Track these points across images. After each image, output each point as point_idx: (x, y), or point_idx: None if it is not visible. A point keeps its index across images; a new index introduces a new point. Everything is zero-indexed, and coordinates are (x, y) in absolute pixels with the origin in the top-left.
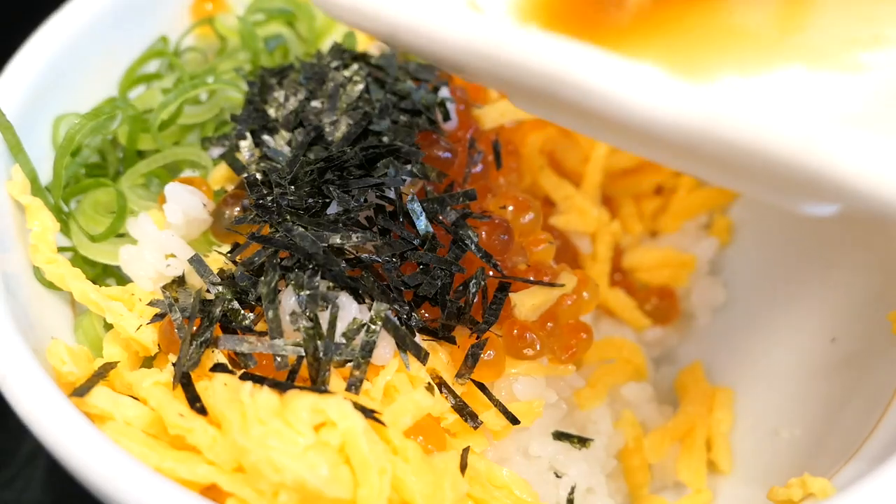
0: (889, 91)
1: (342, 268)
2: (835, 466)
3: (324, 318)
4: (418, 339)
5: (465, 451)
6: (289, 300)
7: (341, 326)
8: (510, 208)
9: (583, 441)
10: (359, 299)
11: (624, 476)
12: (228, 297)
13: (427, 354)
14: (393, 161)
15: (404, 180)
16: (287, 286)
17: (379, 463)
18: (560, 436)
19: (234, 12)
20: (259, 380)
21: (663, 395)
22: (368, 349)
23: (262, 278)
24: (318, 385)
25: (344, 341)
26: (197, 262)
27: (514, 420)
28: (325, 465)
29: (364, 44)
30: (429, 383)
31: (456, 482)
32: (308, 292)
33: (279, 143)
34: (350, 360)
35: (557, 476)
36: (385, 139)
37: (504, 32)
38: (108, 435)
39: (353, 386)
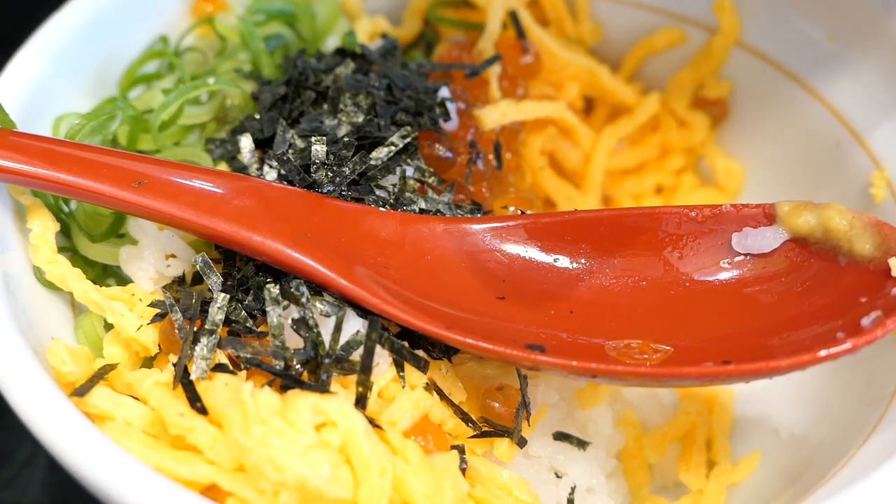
0: None
1: None
2: (835, 466)
3: (328, 324)
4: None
5: (463, 447)
6: (291, 308)
7: (343, 336)
8: (511, 209)
9: (582, 443)
10: (361, 313)
11: (624, 476)
12: (228, 305)
13: (427, 364)
14: (393, 161)
15: (405, 180)
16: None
17: (380, 463)
18: (560, 436)
19: (234, 12)
20: None
21: (663, 395)
22: (368, 363)
23: (266, 286)
24: (319, 385)
25: (343, 353)
26: (203, 263)
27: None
28: (327, 465)
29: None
30: (427, 383)
31: (456, 482)
32: (306, 303)
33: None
34: (351, 373)
35: (557, 476)
36: (385, 139)
37: None
38: (108, 435)
39: (360, 402)
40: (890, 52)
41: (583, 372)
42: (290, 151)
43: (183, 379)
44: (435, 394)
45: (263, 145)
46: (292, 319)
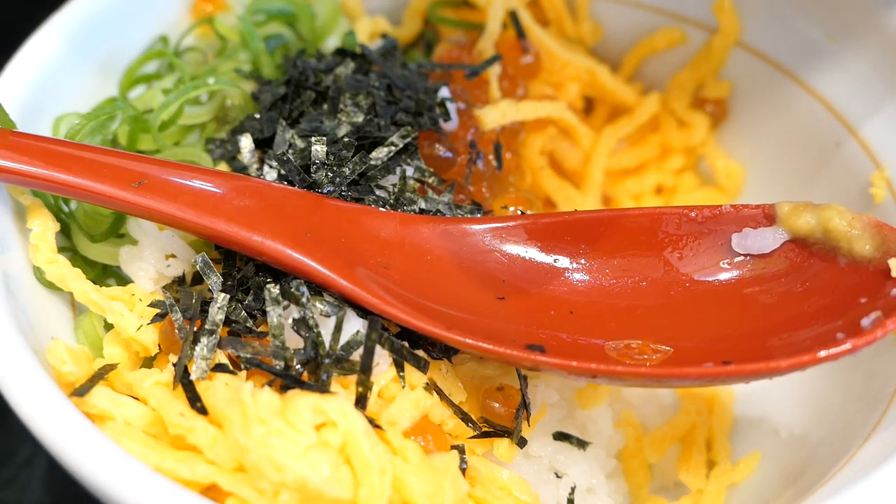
0: None
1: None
2: (835, 466)
3: (328, 325)
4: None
5: (463, 447)
6: (291, 308)
7: (343, 336)
8: (511, 209)
9: (582, 443)
10: (361, 313)
11: (624, 476)
12: (228, 305)
13: (427, 364)
14: (393, 161)
15: (405, 180)
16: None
17: (380, 463)
18: (560, 436)
19: (234, 12)
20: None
21: (663, 395)
22: (368, 363)
23: (267, 286)
24: (319, 385)
25: (343, 353)
26: (203, 263)
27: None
28: (327, 465)
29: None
30: (427, 383)
31: (456, 482)
32: (306, 303)
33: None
34: (351, 373)
35: (557, 476)
36: (385, 139)
37: None
38: (108, 435)
39: (360, 402)
40: (890, 52)
41: (583, 372)
42: (290, 151)
43: (183, 379)
44: (435, 394)
45: (263, 145)
46: (292, 319)
